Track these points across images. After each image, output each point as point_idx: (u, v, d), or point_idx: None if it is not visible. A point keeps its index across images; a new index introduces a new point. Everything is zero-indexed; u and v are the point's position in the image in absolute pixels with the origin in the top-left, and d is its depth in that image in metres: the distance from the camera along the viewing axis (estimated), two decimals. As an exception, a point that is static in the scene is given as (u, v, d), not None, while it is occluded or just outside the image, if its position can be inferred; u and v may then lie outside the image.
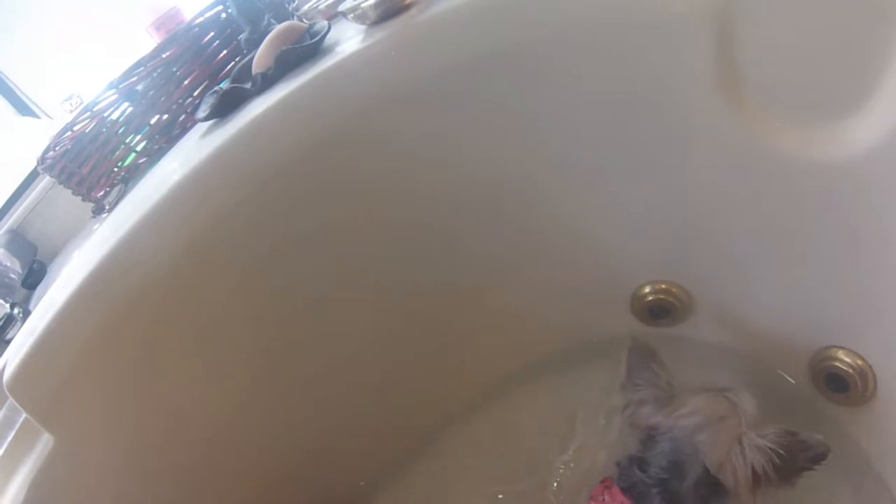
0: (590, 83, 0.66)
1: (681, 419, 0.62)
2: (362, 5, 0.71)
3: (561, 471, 0.82)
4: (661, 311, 0.83)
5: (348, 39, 0.72)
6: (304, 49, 0.73)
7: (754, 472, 0.57)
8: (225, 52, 0.94)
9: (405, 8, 0.71)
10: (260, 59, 0.76)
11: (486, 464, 0.86)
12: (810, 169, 0.61)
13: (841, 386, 0.72)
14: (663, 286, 0.80)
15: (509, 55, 0.65)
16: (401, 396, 0.84)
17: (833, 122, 0.59)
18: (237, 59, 0.94)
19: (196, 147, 0.74)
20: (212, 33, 0.93)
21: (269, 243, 0.68)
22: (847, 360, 0.71)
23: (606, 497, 0.65)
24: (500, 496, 0.84)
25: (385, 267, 0.75)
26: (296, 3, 0.96)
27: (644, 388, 0.66)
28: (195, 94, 0.92)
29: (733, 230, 0.69)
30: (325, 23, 0.76)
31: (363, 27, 0.72)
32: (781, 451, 0.57)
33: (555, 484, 0.81)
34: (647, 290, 0.82)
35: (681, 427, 0.62)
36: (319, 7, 0.89)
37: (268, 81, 0.74)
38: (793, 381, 0.77)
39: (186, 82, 0.92)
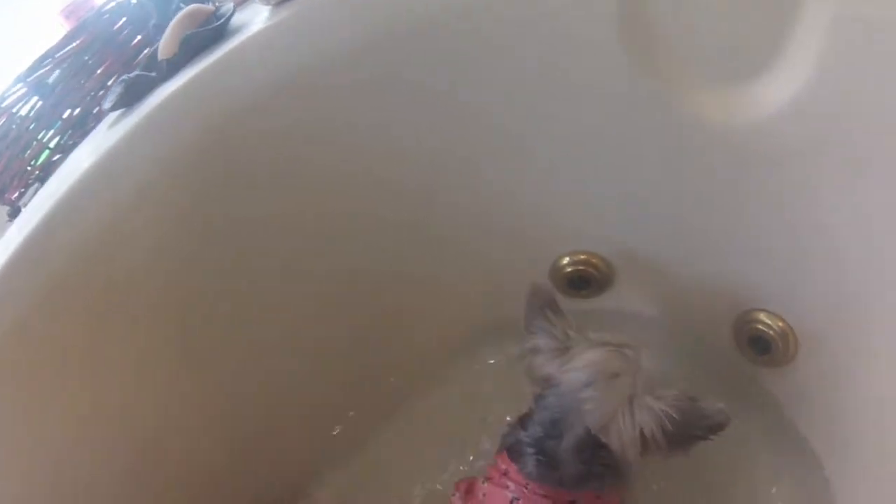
0: (503, 54, 0.64)
1: (569, 372, 0.58)
2: (265, -15, 0.69)
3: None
4: (581, 282, 0.81)
5: (254, 20, 0.70)
6: (208, 32, 0.71)
7: (643, 436, 0.54)
8: (139, 38, 0.91)
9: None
10: (165, 44, 0.73)
11: (423, 451, 0.86)
12: (724, 131, 0.61)
13: (764, 348, 0.74)
14: (582, 256, 0.79)
15: (421, 31, 0.63)
16: (336, 382, 0.83)
17: (743, 84, 0.58)
18: (152, 46, 0.91)
19: (103, 138, 0.71)
20: (123, 19, 0.89)
21: (179, 233, 0.67)
22: (768, 321, 0.72)
23: (498, 460, 0.64)
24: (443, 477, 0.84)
25: (307, 249, 0.73)
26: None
27: (539, 336, 0.62)
28: (109, 83, 0.89)
29: (648, 196, 0.69)
30: (231, 4, 0.74)
31: (269, 6, 0.70)
32: (675, 417, 0.53)
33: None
34: (565, 260, 0.80)
35: (568, 381, 0.58)
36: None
37: (173, 68, 0.71)
38: (717, 346, 0.77)
39: (99, 72, 0.88)
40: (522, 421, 0.62)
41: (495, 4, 0.62)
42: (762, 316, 0.73)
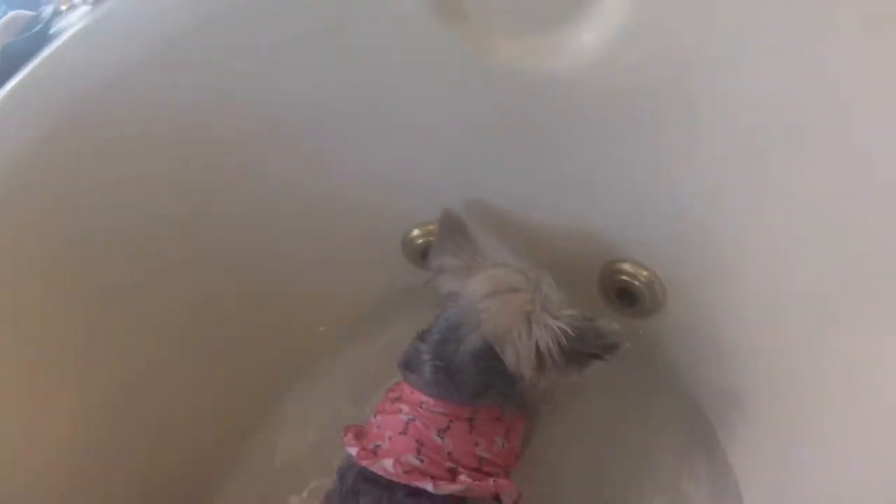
0: (309, 28, 0.63)
1: (470, 285, 0.59)
2: (79, -17, 0.66)
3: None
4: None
5: (74, 22, 0.67)
6: (28, 39, 0.68)
7: (539, 350, 0.54)
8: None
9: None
10: (-15, 56, 0.70)
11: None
12: (541, 81, 0.61)
13: (631, 298, 0.75)
14: (431, 227, 0.77)
15: (228, 18, 0.61)
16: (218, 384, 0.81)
17: (554, 33, 0.58)
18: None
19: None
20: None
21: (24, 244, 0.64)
22: (633, 271, 0.74)
23: (387, 393, 0.64)
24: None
25: (150, 254, 0.71)
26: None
27: (445, 257, 0.62)
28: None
29: (480, 158, 0.69)
30: (50, 8, 0.70)
31: (89, 5, 0.67)
32: (571, 333, 0.54)
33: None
34: (415, 232, 0.80)
35: (468, 292, 0.58)
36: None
37: (-5, 79, 0.68)
38: (589, 302, 0.78)
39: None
40: (421, 335, 0.62)
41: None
42: (626, 266, 0.74)
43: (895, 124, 0.44)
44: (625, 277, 0.74)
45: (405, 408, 0.60)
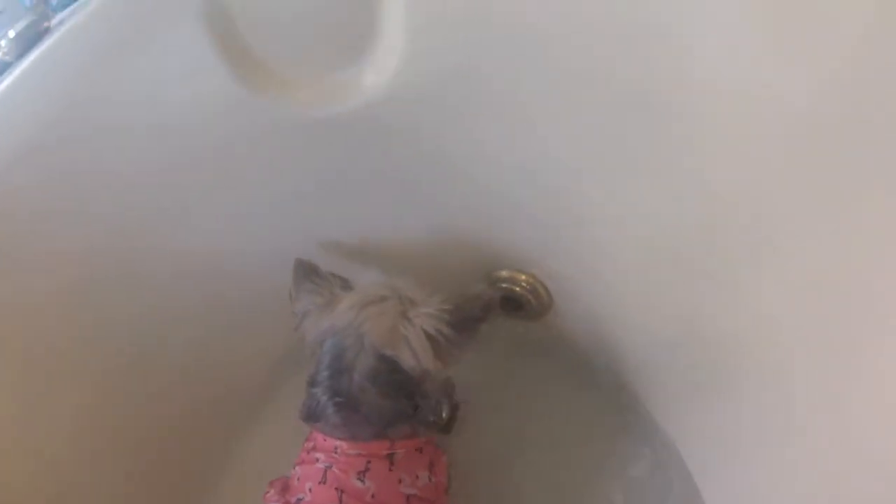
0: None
1: (341, 313, 0.59)
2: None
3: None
4: None
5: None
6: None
7: (431, 337, 0.56)
8: None
9: None
10: None
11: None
12: (345, 121, 0.64)
13: (517, 304, 0.78)
14: None
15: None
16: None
17: (344, 73, 0.61)
18: None
19: None
20: None
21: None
22: (512, 277, 0.78)
23: (304, 444, 0.64)
24: None
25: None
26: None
27: (306, 298, 0.63)
28: None
29: (335, 202, 0.72)
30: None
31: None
32: (450, 308, 0.57)
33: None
34: None
35: (341, 319, 0.58)
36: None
37: None
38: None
39: None
40: (311, 381, 0.61)
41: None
42: (504, 273, 0.77)
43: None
44: (505, 285, 0.77)
45: (321, 456, 0.60)
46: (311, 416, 0.59)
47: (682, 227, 0.58)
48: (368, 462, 0.58)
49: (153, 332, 0.76)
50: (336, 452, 0.59)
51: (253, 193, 0.70)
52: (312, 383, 0.60)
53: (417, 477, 0.60)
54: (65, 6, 0.78)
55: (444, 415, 0.66)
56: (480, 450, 0.79)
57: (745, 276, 0.54)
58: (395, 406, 0.58)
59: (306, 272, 0.65)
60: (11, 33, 0.69)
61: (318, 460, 0.59)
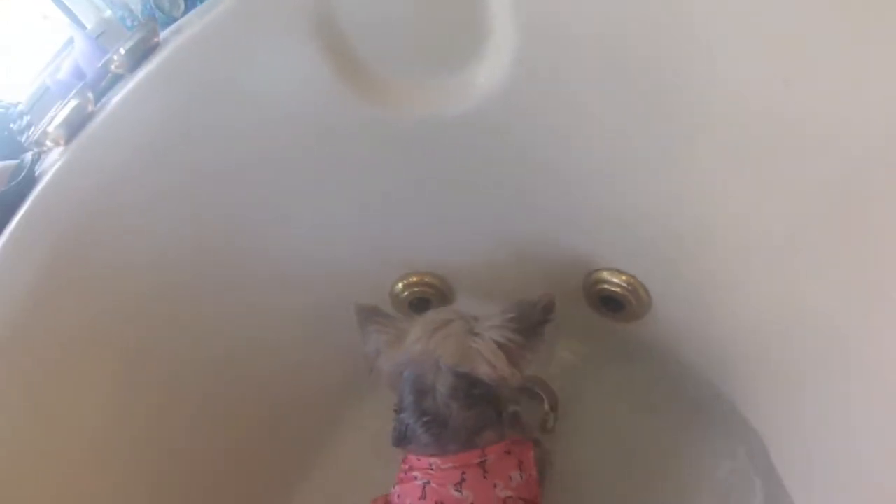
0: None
1: (411, 344, 0.62)
2: (49, 129, 0.73)
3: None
4: (423, 304, 0.84)
5: (53, 162, 0.74)
6: (14, 189, 0.74)
7: (502, 345, 0.59)
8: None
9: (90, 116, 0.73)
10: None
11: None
12: (453, 124, 0.64)
13: (618, 305, 0.76)
14: (414, 279, 0.82)
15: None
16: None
17: (451, 77, 0.62)
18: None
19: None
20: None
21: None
22: (614, 279, 0.75)
23: (402, 464, 0.66)
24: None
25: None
26: (31, 131, 0.96)
27: (375, 338, 0.66)
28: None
29: (439, 205, 0.72)
30: (28, 155, 0.77)
31: (59, 147, 0.74)
32: (513, 316, 0.61)
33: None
34: (400, 286, 0.83)
35: (413, 350, 0.62)
36: (48, 129, 0.90)
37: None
38: (580, 317, 0.80)
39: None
40: (397, 408, 0.64)
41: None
42: (605, 275, 0.75)
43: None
44: (605, 286, 0.75)
45: (418, 473, 0.62)
46: (402, 439, 0.63)
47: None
48: (463, 473, 0.60)
49: (246, 333, 0.79)
50: (431, 469, 0.61)
51: (353, 197, 0.72)
52: (399, 410, 0.64)
53: (510, 478, 0.61)
54: (166, 25, 0.82)
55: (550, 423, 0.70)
56: (571, 450, 0.79)
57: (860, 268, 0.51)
58: (479, 415, 0.61)
59: (368, 315, 0.68)
60: (122, 50, 0.74)
61: (416, 478, 0.62)
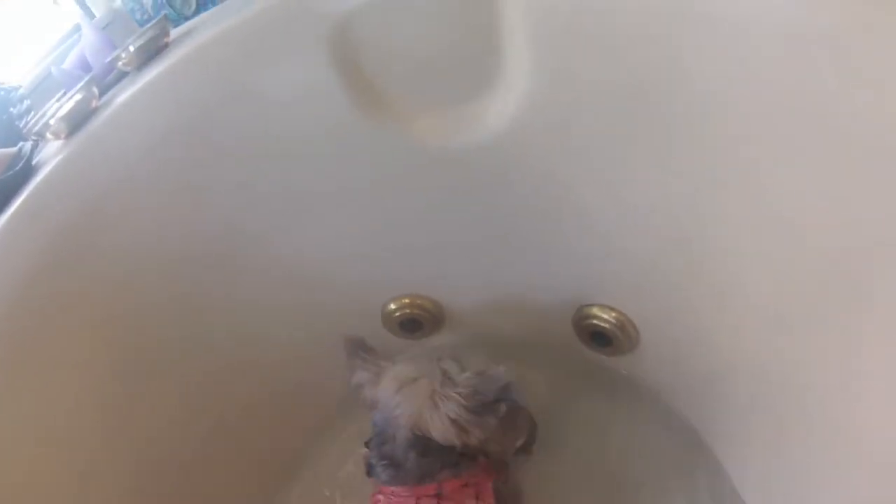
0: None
1: (382, 390, 0.66)
2: (50, 121, 0.72)
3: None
4: (413, 325, 0.86)
5: (52, 154, 0.73)
6: (10, 178, 0.74)
7: (453, 420, 0.62)
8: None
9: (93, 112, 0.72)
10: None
11: None
12: (458, 155, 0.65)
13: (606, 340, 0.77)
14: (406, 300, 0.83)
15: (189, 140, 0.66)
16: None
17: (464, 108, 0.62)
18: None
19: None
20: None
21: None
22: (604, 315, 0.76)
23: (375, 489, 0.69)
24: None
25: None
26: (31, 116, 0.95)
27: (357, 374, 0.70)
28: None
29: (439, 232, 0.73)
30: (28, 143, 0.76)
31: (60, 140, 0.73)
32: (471, 395, 0.62)
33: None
34: (392, 306, 0.84)
35: (382, 397, 0.66)
36: (49, 121, 0.89)
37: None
38: (567, 350, 0.81)
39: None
40: (367, 443, 0.70)
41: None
42: (595, 310, 0.76)
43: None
44: (594, 321, 0.76)
45: (381, 498, 0.68)
46: (370, 472, 0.69)
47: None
48: (418, 500, 0.65)
49: (250, 330, 0.80)
50: (393, 495, 0.67)
51: (355, 214, 0.72)
52: (368, 446, 0.69)
53: None
54: (176, 23, 0.82)
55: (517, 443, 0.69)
56: (545, 477, 0.80)
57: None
58: (435, 461, 0.64)
59: (354, 348, 0.72)
60: (132, 47, 0.73)
61: (379, 501, 0.68)
